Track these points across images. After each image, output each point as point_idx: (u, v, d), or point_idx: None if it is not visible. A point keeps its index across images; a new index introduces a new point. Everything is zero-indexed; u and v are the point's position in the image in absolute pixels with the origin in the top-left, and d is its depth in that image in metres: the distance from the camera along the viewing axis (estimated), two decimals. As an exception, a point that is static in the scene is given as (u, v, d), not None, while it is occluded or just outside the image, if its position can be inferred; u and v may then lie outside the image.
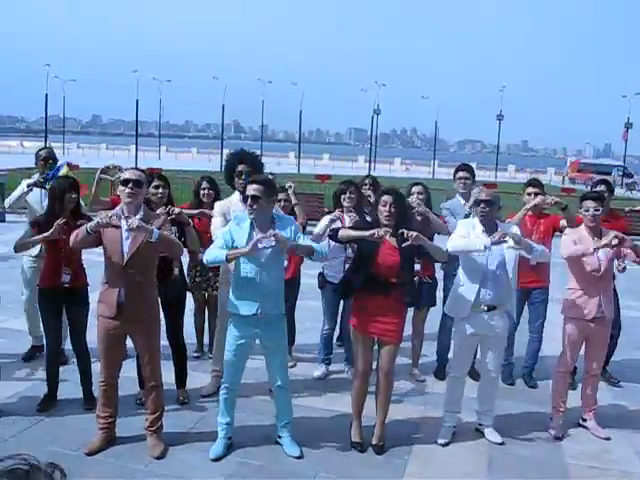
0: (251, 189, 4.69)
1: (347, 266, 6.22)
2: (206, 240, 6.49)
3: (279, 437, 5.07)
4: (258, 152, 6.58)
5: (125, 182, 4.65)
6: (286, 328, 5.04)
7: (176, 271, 5.88)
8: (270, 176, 5.52)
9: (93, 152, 61.51)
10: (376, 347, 5.14)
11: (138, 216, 4.56)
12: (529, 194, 6.39)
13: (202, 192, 6.76)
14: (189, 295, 6.78)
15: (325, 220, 6.13)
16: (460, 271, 5.31)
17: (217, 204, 5.96)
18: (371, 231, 4.76)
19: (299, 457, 4.89)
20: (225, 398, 4.97)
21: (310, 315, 7.52)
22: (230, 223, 4.92)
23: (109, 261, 4.72)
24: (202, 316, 7.14)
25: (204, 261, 4.86)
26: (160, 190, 5.72)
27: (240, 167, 5.78)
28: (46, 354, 5.70)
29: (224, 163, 6.14)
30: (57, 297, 5.50)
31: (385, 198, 4.93)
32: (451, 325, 6.53)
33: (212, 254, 4.75)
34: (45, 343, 5.74)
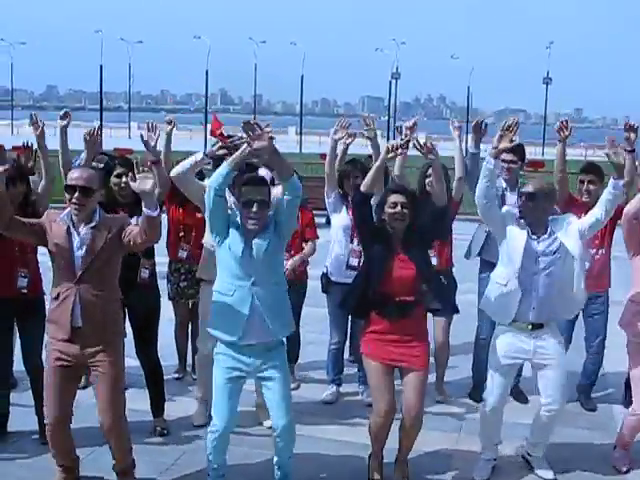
0: (256, 193, 4.68)
1: (349, 265, 6.24)
2: (194, 238, 6.52)
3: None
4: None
5: (70, 189, 4.58)
6: (286, 354, 5.02)
7: (146, 273, 5.86)
8: None
9: (49, 131, 60.93)
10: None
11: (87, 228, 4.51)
12: (582, 182, 6.38)
13: None
14: (169, 304, 6.79)
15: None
16: (499, 267, 5.29)
17: None
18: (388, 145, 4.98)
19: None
20: (215, 445, 4.88)
21: (316, 325, 7.52)
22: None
23: (58, 272, 4.68)
24: (185, 331, 7.15)
25: (209, 186, 4.69)
26: (124, 179, 5.64)
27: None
28: None
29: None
30: (9, 309, 5.47)
31: (394, 198, 4.93)
32: (488, 340, 6.53)
33: (215, 174, 4.70)
34: None
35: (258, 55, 70.69)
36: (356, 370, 6.80)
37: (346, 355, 6.98)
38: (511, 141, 5.09)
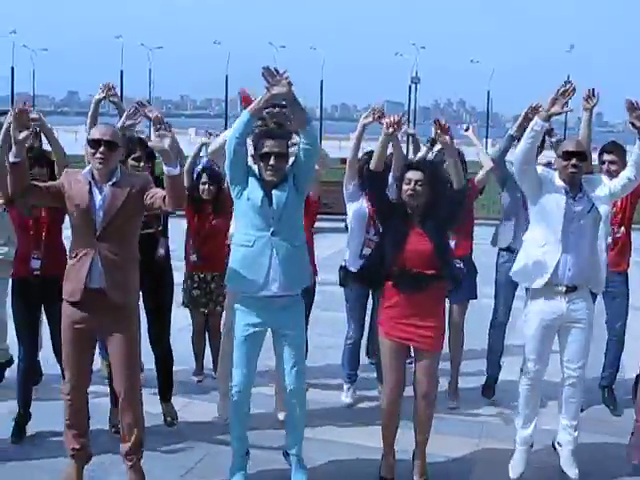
0: (274, 145, 4.76)
1: (366, 250, 6.21)
2: (207, 242, 6.57)
3: (286, 454, 5.17)
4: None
5: (94, 143, 4.56)
6: (304, 312, 5.12)
7: (161, 251, 5.86)
8: None
9: (70, 136, 61.62)
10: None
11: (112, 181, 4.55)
12: (603, 162, 6.30)
13: (202, 188, 6.83)
14: (182, 311, 6.80)
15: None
16: (534, 230, 5.28)
17: None
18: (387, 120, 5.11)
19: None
20: (236, 401, 5.00)
21: (333, 329, 7.51)
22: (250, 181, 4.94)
23: (77, 230, 4.66)
24: (201, 339, 7.17)
25: (230, 136, 4.85)
26: (141, 164, 5.65)
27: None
28: (19, 368, 5.73)
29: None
30: (32, 291, 5.48)
31: (410, 175, 4.94)
32: (504, 323, 6.51)
33: (235, 123, 4.87)
34: (18, 354, 5.78)
35: (278, 60, 70.78)
36: (375, 375, 6.77)
37: (365, 360, 6.97)
38: (564, 106, 5.00)
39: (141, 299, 5.59)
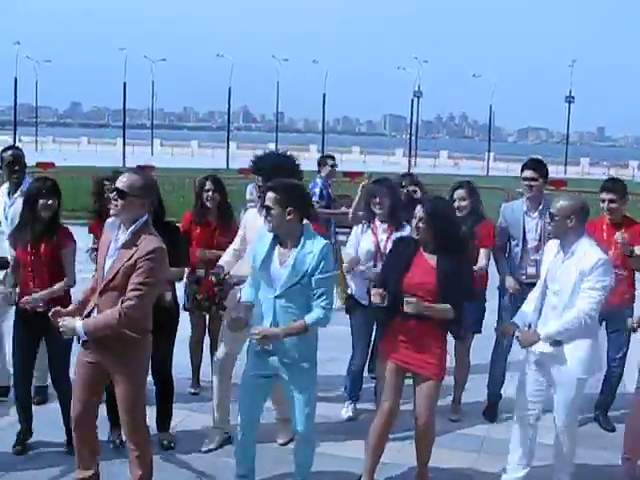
0: (266, 198, 4.72)
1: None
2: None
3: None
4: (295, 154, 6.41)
5: (112, 190, 4.60)
6: (315, 358, 5.03)
7: (168, 296, 5.77)
8: None
9: (72, 147, 61.54)
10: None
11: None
12: (603, 201, 6.33)
13: (205, 195, 6.76)
14: (187, 324, 6.80)
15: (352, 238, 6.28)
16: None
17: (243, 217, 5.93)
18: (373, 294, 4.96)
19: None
20: (241, 440, 4.97)
21: (337, 342, 7.49)
22: (255, 237, 5.01)
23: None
24: (200, 346, 7.11)
25: None
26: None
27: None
28: (15, 394, 5.74)
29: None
30: (32, 321, 5.48)
31: (416, 211, 4.95)
32: (505, 354, 6.50)
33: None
34: (13, 381, 5.81)
35: (280, 73, 71.12)
36: (373, 387, 6.77)
37: (365, 373, 6.97)
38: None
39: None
